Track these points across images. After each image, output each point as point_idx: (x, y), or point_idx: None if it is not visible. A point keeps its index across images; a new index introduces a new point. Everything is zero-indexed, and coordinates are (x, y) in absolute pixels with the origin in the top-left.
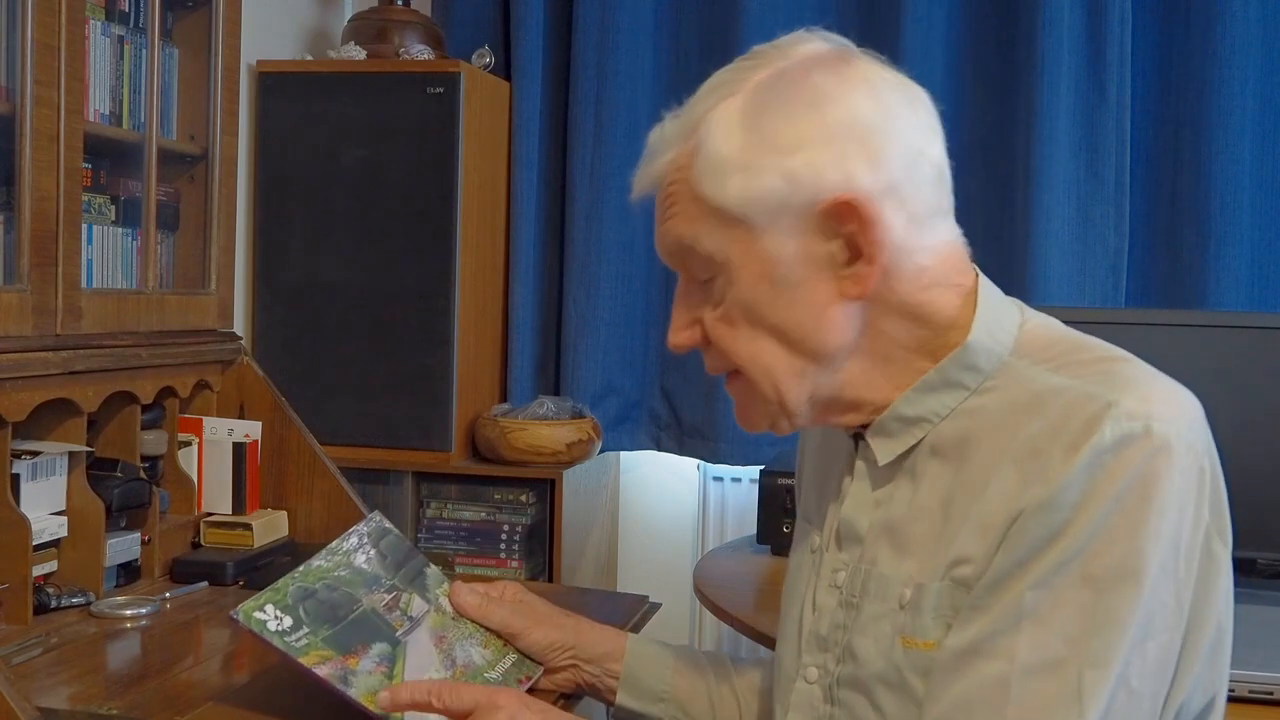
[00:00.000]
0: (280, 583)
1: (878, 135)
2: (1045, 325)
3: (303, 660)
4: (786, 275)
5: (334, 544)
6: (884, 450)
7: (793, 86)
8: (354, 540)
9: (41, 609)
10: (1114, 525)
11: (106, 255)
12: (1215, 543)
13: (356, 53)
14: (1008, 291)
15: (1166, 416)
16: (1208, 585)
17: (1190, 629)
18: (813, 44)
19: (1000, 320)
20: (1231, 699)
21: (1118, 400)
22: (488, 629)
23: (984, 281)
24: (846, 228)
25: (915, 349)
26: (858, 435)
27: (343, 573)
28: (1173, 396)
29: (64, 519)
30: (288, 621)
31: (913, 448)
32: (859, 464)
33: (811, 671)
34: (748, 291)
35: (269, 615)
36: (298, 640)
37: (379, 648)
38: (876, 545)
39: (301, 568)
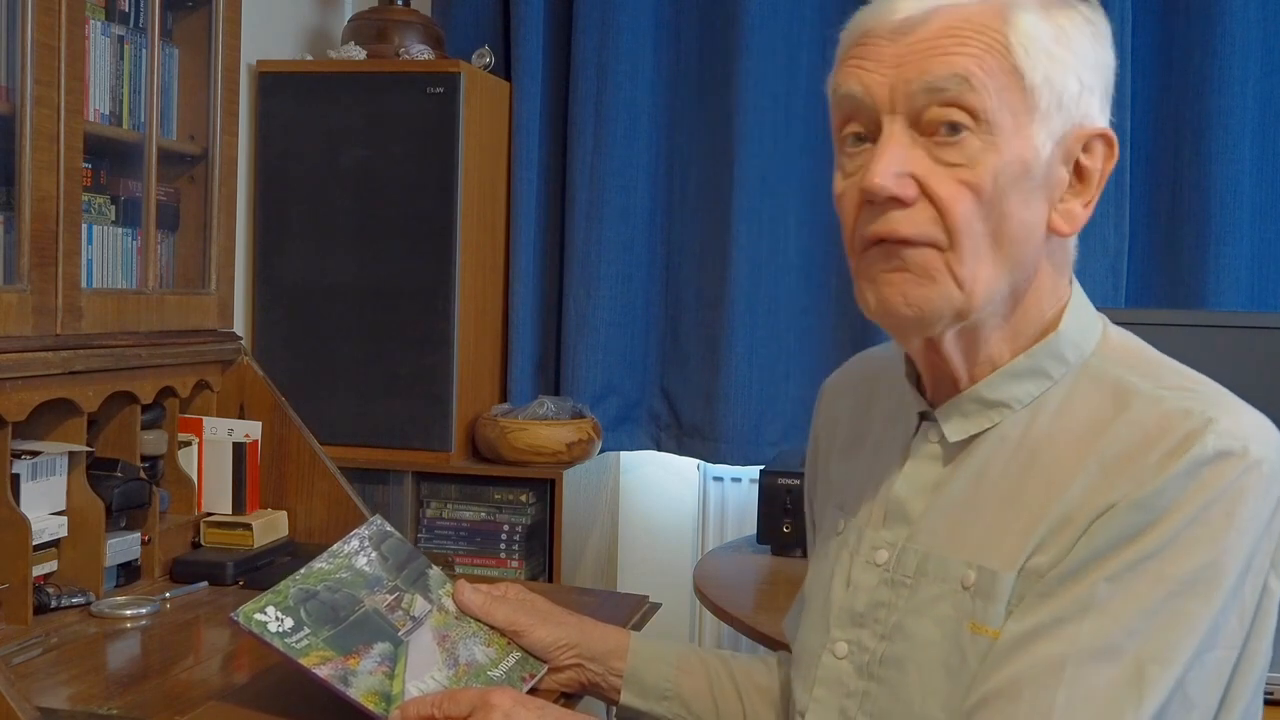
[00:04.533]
0: (281, 585)
1: (1110, 95)
2: (1127, 337)
3: (303, 661)
4: (1035, 174)
5: (335, 547)
6: (956, 430)
7: (1085, 12)
8: (355, 543)
9: (41, 609)
10: (1197, 533)
11: (106, 255)
12: (1272, 577)
13: (356, 53)
14: None
15: (1261, 440)
16: (1263, 618)
17: (1244, 655)
18: None
19: (1088, 319)
20: None
21: (1218, 418)
22: (491, 627)
23: (1079, 286)
24: (1090, 160)
25: (1036, 326)
26: (924, 415)
27: (344, 575)
28: (1265, 423)
29: (64, 519)
30: (289, 623)
31: (985, 431)
32: (918, 445)
33: (841, 646)
34: (1005, 165)
35: (270, 617)
36: (298, 641)
37: (381, 648)
38: (933, 528)
39: (302, 570)
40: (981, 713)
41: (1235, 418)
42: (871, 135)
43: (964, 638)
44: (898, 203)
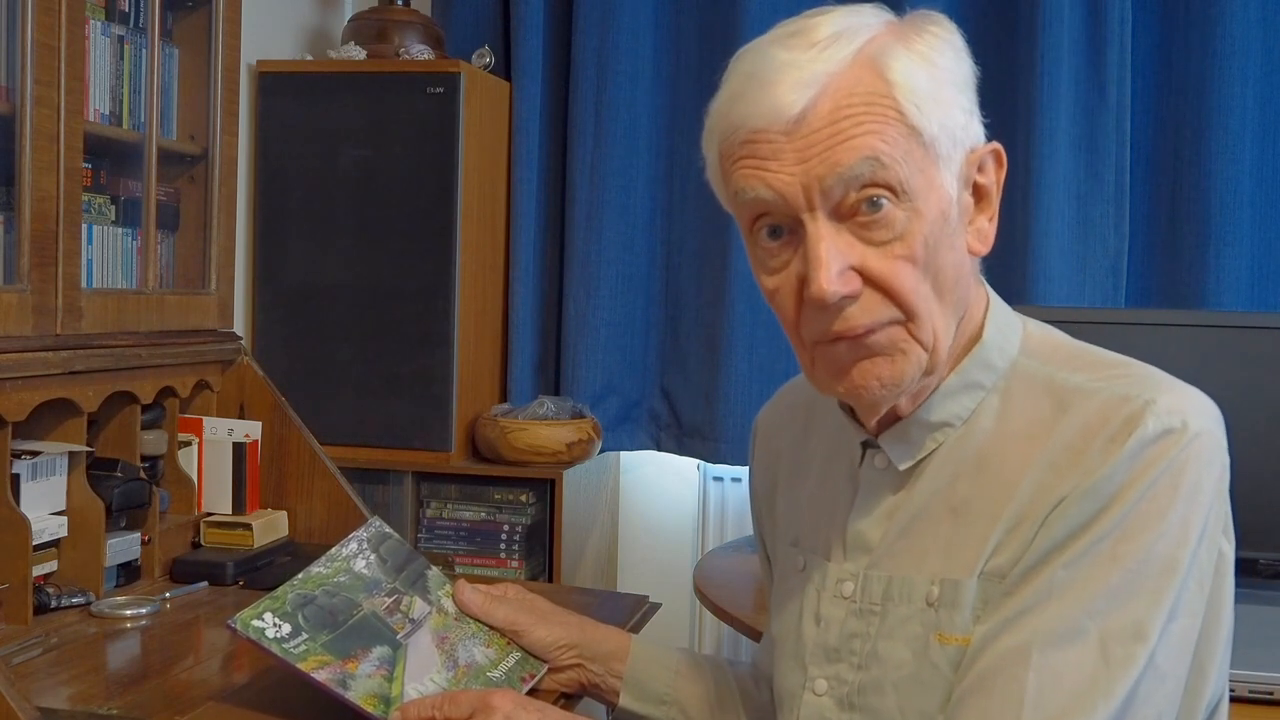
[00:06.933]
0: (279, 591)
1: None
2: (1048, 332)
3: (301, 666)
4: (952, 215)
5: (333, 550)
6: (903, 457)
7: (934, 28)
8: (353, 546)
9: (41, 609)
10: (1147, 510)
11: (106, 255)
12: (1223, 541)
13: (356, 53)
14: (1008, 290)
15: (1200, 414)
16: (1221, 579)
17: (1209, 619)
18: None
19: (1008, 321)
20: (1231, 699)
21: (1155, 399)
22: (491, 627)
23: (990, 288)
24: (985, 177)
25: (965, 338)
26: (866, 443)
27: (342, 578)
28: (1200, 397)
29: (64, 519)
30: (286, 629)
31: (931, 452)
32: (867, 474)
33: (820, 684)
34: (930, 227)
35: (267, 623)
36: (296, 646)
37: (379, 651)
38: (893, 552)
39: (300, 575)
40: (958, 712)
41: (1172, 396)
42: (789, 227)
43: (933, 649)
44: (847, 298)
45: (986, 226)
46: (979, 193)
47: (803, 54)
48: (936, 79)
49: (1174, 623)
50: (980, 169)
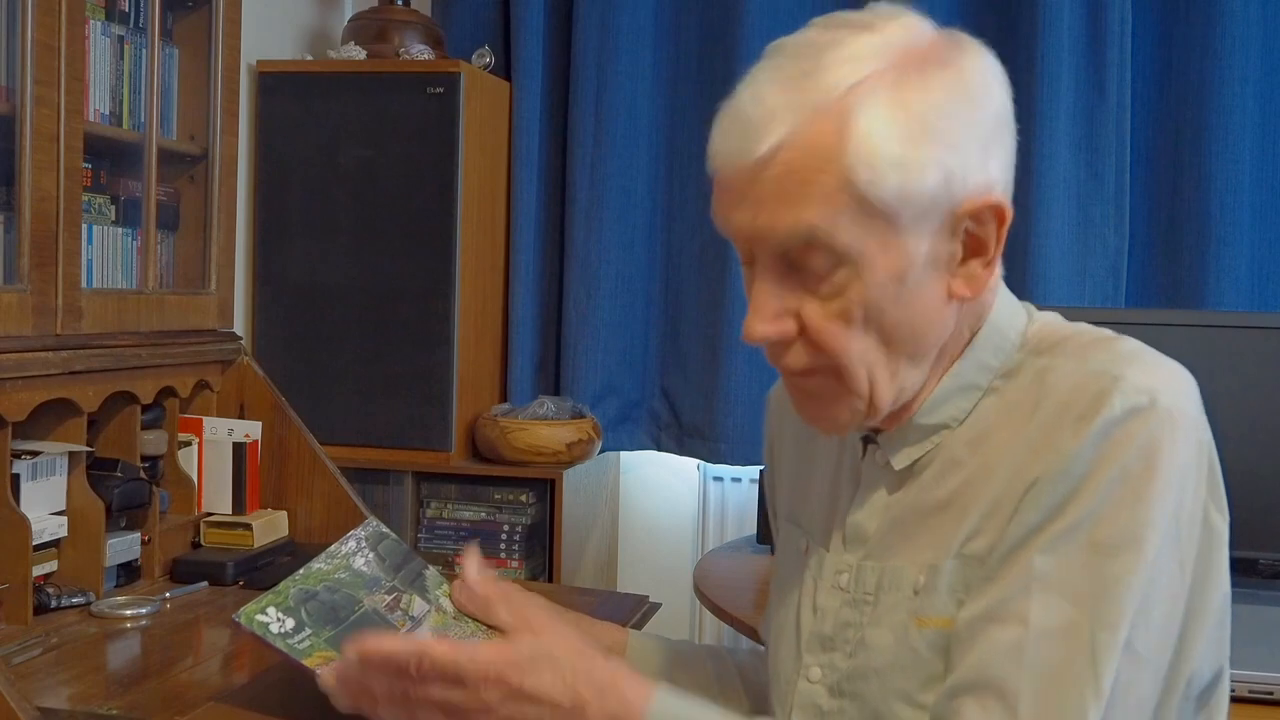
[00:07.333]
0: (281, 586)
1: (1010, 132)
2: (1048, 325)
3: (306, 662)
4: (914, 276)
5: (332, 548)
6: (902, 458)
7: (945, 71)
8: (352, 544)
9: (41, 609)
10: (1120, 493)
11: (106, 255)
12: (1213, 514)
13: (356, 53)
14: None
15: (1170, 389)
16: (1209, 556)
17: (1195, 599)
18: (910, 18)
19: (1010, 322)
20: (1231, 699)
21: (1123, 374)
22: (490, 627)
23: (1004, 289)
24: (981, 229)
25: (958, 347)
26: (867, 439)
27: (343, 575)
28: (1173, 371)
29: (64, 519)
30: (290, 624)
31: (929, 450)
32: (869, 469)
33: (814, 671)
34: (875, 290)
35: (271, 618)
36: (300, 642)
37: None
38: (887, 543)
39: (301, 571)
40: (953, 705)
41: (1143, 371)
42: (749, 259)
43: (912, 633)
44: (778, 343)
45: (980, 272)
46: (972, 242)
47: (783, 92)
48: (915, 138)
49: (1154, 607)
50: (976, 219)
